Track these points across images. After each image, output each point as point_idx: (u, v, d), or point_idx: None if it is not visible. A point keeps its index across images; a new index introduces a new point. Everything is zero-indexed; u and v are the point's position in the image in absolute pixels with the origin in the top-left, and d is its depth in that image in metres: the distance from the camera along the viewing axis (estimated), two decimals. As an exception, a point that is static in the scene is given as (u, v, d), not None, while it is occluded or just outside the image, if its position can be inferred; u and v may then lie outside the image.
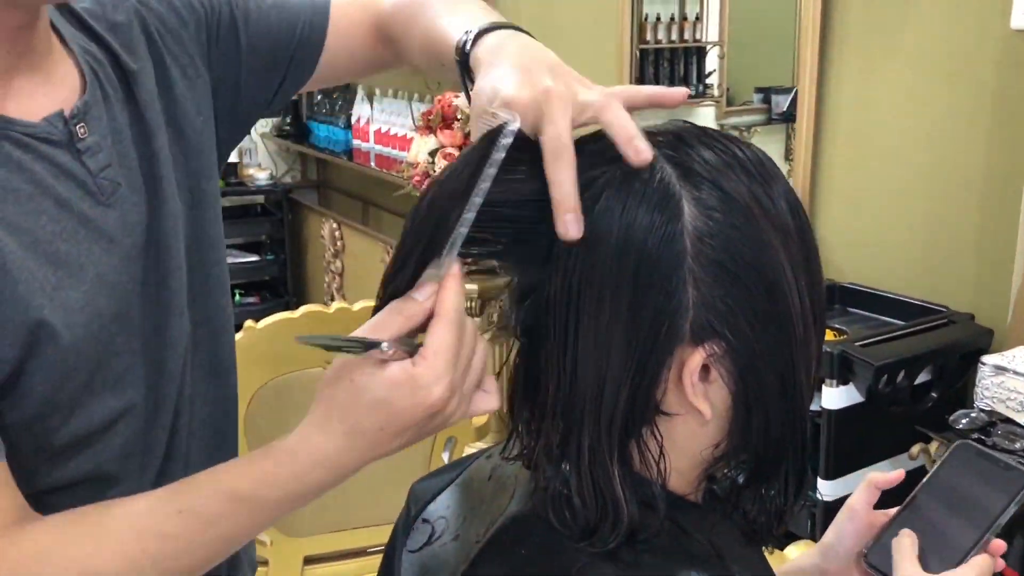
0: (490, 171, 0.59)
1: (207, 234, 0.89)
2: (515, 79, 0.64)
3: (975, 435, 1.39)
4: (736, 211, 0.61)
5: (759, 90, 2.64)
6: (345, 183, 4.44)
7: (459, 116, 2.60)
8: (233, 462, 0.68)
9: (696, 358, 0.61)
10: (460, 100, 2.65)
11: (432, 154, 2.64)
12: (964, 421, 1.42)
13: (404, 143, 3.39)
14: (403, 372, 0.61)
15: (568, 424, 0.63)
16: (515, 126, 0.60)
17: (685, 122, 0.65)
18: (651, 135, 0.63)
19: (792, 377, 0.64)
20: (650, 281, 0.60)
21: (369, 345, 0.60)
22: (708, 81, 2.74)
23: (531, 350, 0.67)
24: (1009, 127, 1.66)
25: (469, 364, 0.63)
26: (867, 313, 1.87)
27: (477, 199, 0.59)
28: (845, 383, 1.56)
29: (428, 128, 2.68)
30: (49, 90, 0.75)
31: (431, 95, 3.02)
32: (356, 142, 3.89)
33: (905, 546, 0.73)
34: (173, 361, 0.84)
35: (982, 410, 1.43)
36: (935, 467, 0.79)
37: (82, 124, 0.76)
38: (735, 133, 2.65)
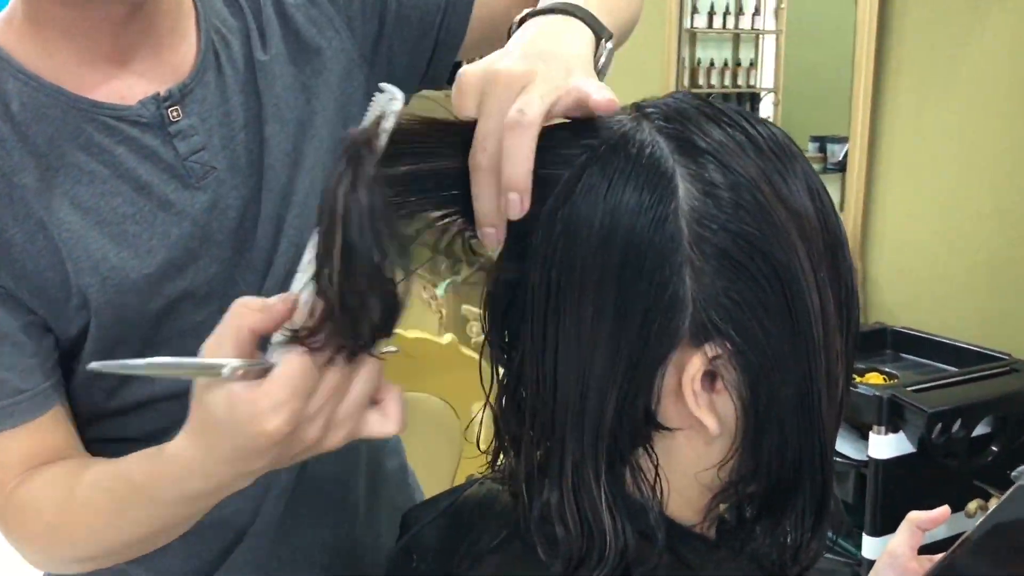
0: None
1: None
2: (492, 57, 0.57)
3: (1039, 492, 1.27)
4: (742, 190, 0.52)
5: (815, 139, 2.56)
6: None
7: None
8: (145, 452, 0.64)
9: (697, 362, 0.52)
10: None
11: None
12: (1027, 476, 1.29)
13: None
14: (243, 393, 0.52)
15: (550, 440, 0.55)
16: (392, 114, 0.50)
17: (687, 93, 0.57)
18: (643, 108, 0.56)
19: (811, 388, 0.54)
20: (639, 271, 0.51)
21: (208, 368, 0.52)
22: (762, 129, 2.67)
23: (514, 357, 0.58)
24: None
25: (338, 390, 0.53)
26: (920, 359, 1.75)
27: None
28: (895, 431, 1.44)
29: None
30: (160, 71, 0.76)
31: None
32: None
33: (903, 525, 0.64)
34: None
35: (1048, 465, 1.31)
36: (992, 510, 0.71)
37: (176, 107, 0.75)
38: None
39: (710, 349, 0.52)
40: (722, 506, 0.58)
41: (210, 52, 0.77)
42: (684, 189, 0.51)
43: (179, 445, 0.58)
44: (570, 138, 0.55)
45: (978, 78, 1.71)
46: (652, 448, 0.54)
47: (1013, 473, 1.31)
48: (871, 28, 1.87)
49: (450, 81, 0.87)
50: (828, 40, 2.33)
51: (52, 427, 0.73)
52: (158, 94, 0.74)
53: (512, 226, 0.55)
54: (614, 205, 0.51)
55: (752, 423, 0.54)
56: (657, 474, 0.54)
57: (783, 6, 2.59)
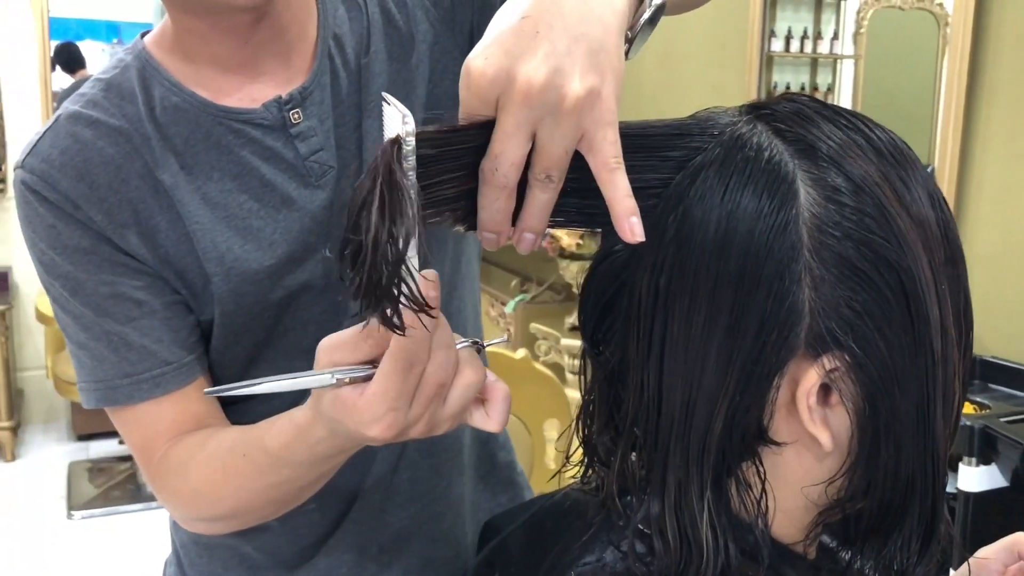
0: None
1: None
2: (496, 40, 0.48)
3: None
4: (865, 197, 0.49)
5: None
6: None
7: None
8: (277, 418, 0.68)
9: (813, 374, 0.50)
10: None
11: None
12: None
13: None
14: (349, 399, 0.55)
15: (651, 451, 0.53)
16: (410, 137, 0.46)
17: (803, 94, 0.55)
18: (760, 108, 0.53)
19: (928, 404, 0.51)
20: (757, 280, 0.49)
21: (314, 382, 0.56)
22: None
23: (611, 363, 0.56)
24: None
25: (437, 396, 0.56)
26: (1011, 390, 1.68)
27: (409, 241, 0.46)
28: (987, 463, 1.39)
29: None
30: (286, 75, 0.79)
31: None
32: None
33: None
34: None
35: None
36: None
37: (297, 110, 0.78)
38: None
39: (828, 361, 0.49)
40: (832, 523, 0.55)
41: (326, 56, 0.80)
42: (805, 194, 0.49)
43: (305, 416, 0.62)
44: (674, 139, 0.53)
45: None
46: (761, 463, 0.52)
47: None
48: (964, 47, 1.81)
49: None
50: (908, 65, 2.28)
51: (197, 397, 0.78)
52: (280, 97, 0.78)
53: (614, 235, 0.53)
54: (731, 210, 0.49)
55: (868, 439, 0.51)
56: (764, 490, 0.52)
57: (862, 31, 2.54)
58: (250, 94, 0.78)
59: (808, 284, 0.49)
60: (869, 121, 0.53)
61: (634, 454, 0.59)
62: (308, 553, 0.88)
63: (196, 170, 0.77)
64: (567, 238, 2.51)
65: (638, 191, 0.50)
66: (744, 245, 0.49)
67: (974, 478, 1.39)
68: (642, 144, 0.52)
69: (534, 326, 2.82)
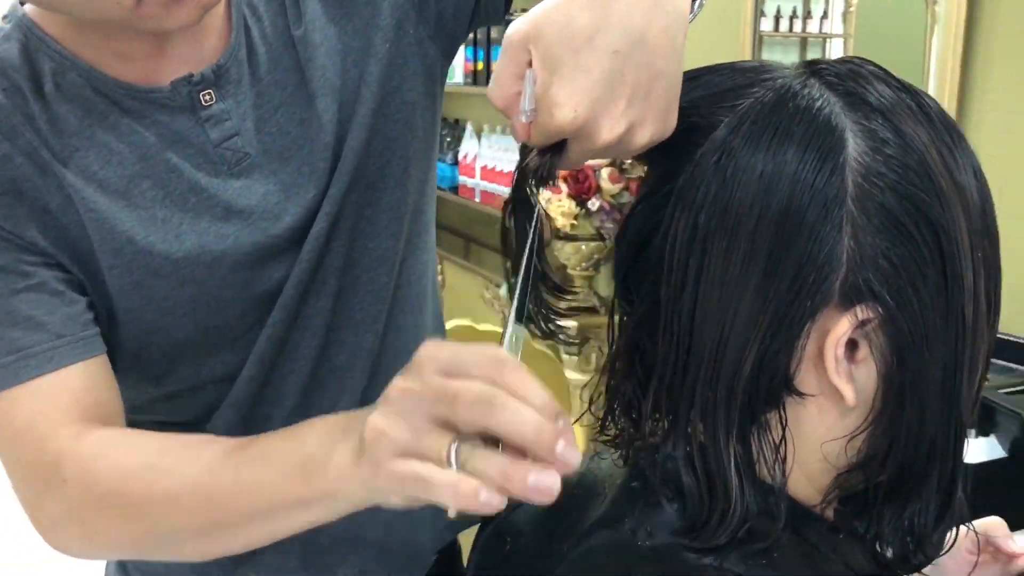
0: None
1: (376, 218, 0.80)
2: (584, 88, 0.49)
3: None
4: (912, 153, 0.50)
5: None
6: (449, 219, 4.43)
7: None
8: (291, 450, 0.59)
9: (845, 324, 0.50)
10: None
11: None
12: None
13: (510, 179, 3.35)
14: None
15: (679, 392, 0.53)
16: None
17: (859, 58, 0.55)
18: (813, 65, 0.54)
19: (956, 369, 0.52)
20: (799, 223, 0.49)
21: None
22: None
23: (641, 308, 0.57)
24: None
25: (435, 432, 0.48)
26: (1008, 363, 1.69)
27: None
28: (985, 435, 1.39)
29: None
30: (197, 52, 0.72)
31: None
32: (463, 178, 3.88)
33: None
34: (294, 340, 0.79)
35: None
36: None
37: (209, 91, 0.72)
38: None
39: (861, 312, 0.50)
40: (852, 485, 0.55)
41: (241, 29, 0.74)
42: (853, 144, 0.50)
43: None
44: (726, 86, 0.54)
45: None
46: (784, 410, 0.52)
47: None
48: (959, 22, 1.81)
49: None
50: (898, 44, 2.27)
51: (101, 377, 0.69)
52: (191, 76, 0.72)
53: (655, 169, 0.55)
54: (778, 153, 0.50)
55: (893, 398, 0.51)
56: (784, 437, 0.52)
57: (851, 9, 2.53)
58: (157, 70, 0.71)
59: (848, 232, 0.49)
60: (921, 91, 0.54)
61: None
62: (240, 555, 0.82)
63: (91, 153, 0.70)
64: (561, 219, 2.49)
65: (692, 129, 0.53)
66: (789, 188, 0.49)
67: (972, 450, 1.40)
68: (695, 88, 0.54)
69: (529, 308, 2.81)
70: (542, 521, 0.69)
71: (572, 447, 0.45)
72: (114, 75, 0.71)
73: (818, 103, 0.51)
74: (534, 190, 0.54)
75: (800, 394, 0.52)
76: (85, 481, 0.64)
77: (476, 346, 0.48)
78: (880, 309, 0.50)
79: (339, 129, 0.77)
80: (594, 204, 2.50)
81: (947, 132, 0.52)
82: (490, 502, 0.44)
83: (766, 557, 0.51)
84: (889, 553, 0.55)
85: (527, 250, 0.55)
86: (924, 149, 0.50)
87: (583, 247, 2.62)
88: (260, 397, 0.80)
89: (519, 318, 0.53)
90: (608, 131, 0.49)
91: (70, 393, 0.67)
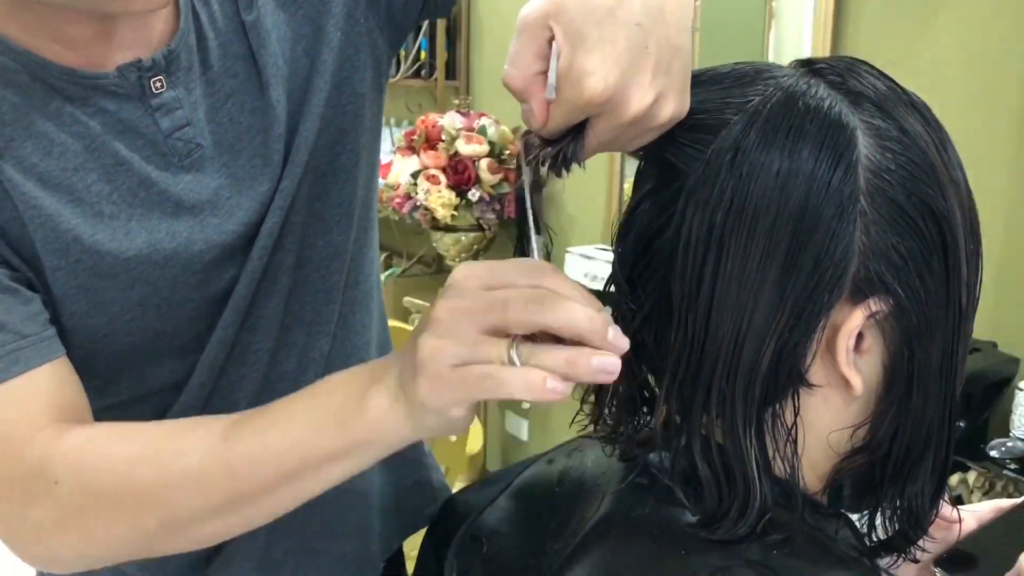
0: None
1: (327, 213, 0.77)
2: (612, 56, 0.48)
3: (1012, 465, 1.32)
4: (916, 150, 0.52)
5: None
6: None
7: (443, 137, 2.52)
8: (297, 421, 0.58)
9: (858, 317, 0.51)
10: (444, 120, 2.57)
11: (414, 175, 2.56)
12: (1001, 449, 1.35)
13: (384, 170, 3.30)
14: None
15: (693, 387, 0.53)
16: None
17: (852, 57, 0.57)
18: (811, 64, 0.55)
19: (953, 355, 0.54)
20: (816, 219, 0.50)
21: None
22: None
23: (647, 306, 0.56)
24: (1034, 152, 1.62)
25: (492, 340, 0.50)
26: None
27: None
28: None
29: (411, 148, 2.60)
30: (144, 37, 0.68)
31: (412, 117, 2.94)
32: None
33: None
34: (244, 343, 0.75)
35: (1019, 438, 1.36)
36: None
37: (159, 77, 0.68)
38: None
39: (874, 304, 0.51)
40: (852, 471, 0.57)
41: (189, 14, 0.70)
42: (863, 141, 0.51)
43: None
44: (733, 86, 0.54)
45: (940, 62, 1.74)
46: (798, 399, 0.53)
47: (988, 446, 1.37)
48: (827, 18, 1.91)
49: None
50: (738, 36, 2.38)
51: (68, 377, 0.65)
52: (139, 61, 0.67)
53: (656, 165, 0.55)
54: (794, 152, 0.50)
55: (901, 385, 0.54)
56: (796, 423, 0.53)
57: (696, 3, 2.62)
58: (101, 56, 0.66)
59: (861, 228, 0.51)
60: (912, 92, 0.56)
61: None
62: (199, 567, 0.79)
63: (30, 144, 0.64)
64: (441, 210, 2.48)
65: (699, 127, 0.53)
66: (806, 186, 0.50)
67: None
68: (708, 91, 0.54)
69: (408, 300, 2.78)
70: (519, 520, 0.69)
71: (620, 333, 0.49)
72: (55, 60, 0.65)
73: (827, 101, 0.52)
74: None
75: (811, 385, 0.53)
76: (82, 479, 0.60)
77: (508, 260, 0.52)
78: (891, 300, 0.52)
79: (290, 120, 0.73)
80: (474, 195, 2.50)
81: (938, 128, 0.55)
82: (557, 389, 0.48)
83: (788, 546, 0.52)
84: (882, 533, 0.57)
85: (528, 181, 0.56)
86: (926, 145, 0.53)
87: (463, 238, 2.61)
88: (209, 405, 0.76)
89: (538, 231, 0.56)
90: (638, 101, 0.49)
91: (41, 396, 0.62)
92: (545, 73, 0.50)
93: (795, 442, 0.54)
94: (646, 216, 0.56)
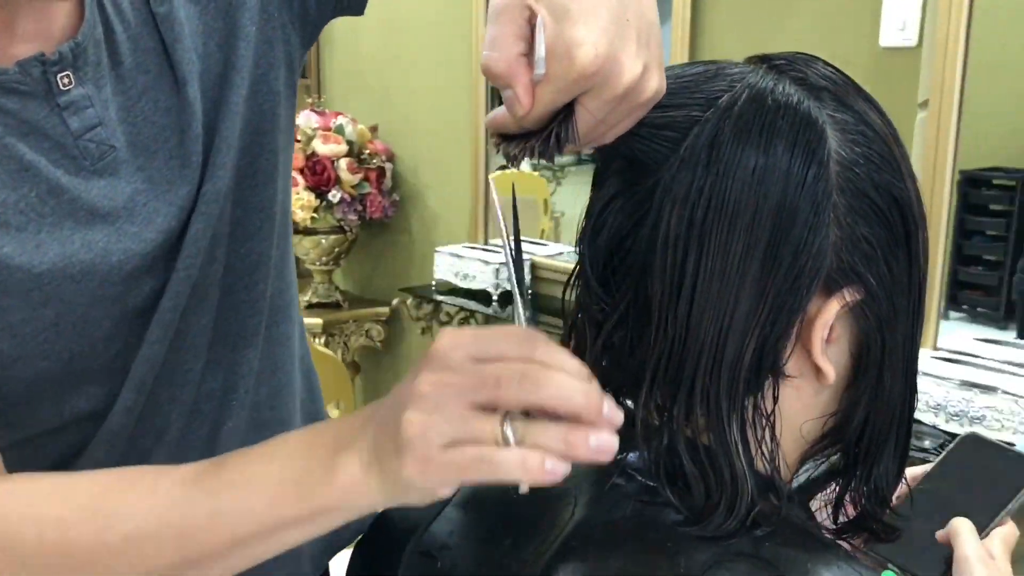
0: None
1: (249, 219, 0.73)
2: (601, 28, 0.48)
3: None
4: (875, 138, 0.54)
5: None
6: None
7: (299, 137, 2.44)
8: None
9: (832, 307, 0.52)
10: (299, 119, 2.49)
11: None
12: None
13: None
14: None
15: (676, 385, 0.53)
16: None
17: (807, 54, 0.58)
18: (772, 59, 0.56)
19: (913, 336, 0.56)
20: (794, 214, 0.51)
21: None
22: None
23: (621, 306, 0.55)
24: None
25: (480, 415, 0.47)
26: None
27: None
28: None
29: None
30: (48, 31, 0.62)
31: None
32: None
33: (969, 527, 0.68)
34: (173, 362, 0.70)
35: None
36: (941, 457, 0.77)
37: (67, 73, 0.62)
38: (548, 174, 2.71)
39: (849, 294, 0.52)
40: (815, 458, 0.58)
41: (94, 6, 0.65)
42: (832, 136, 0.52)
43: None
44: (695, 82, 0.54)
45: None
46: (777, 388, 0.54)
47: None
48: (684, 18, 1.97)
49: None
50: None
51: None
52: (43, 55, 0.61)
53: (631, 170, 0.54)
54: (769, 148, 0.51)
55: (873, 372, 0.55)
56: (773, 420, 0.54)
57: None
58: (1, 51, 0.61)
59: (834, 221, 0.52)
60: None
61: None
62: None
63: None
64: (301, 212, 2.40)
65: (668, 126, 0.52)
66: (783, 182, 0.51)
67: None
68: (672, 88, 0.53)
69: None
70: (473, 531, 0.66)
71: (614, 406, 0.47)
72: None
73: (795, 97, 0.53)
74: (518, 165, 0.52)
75: (786, 376, 0.54)
76: (3, 545, 0.54)
77: (494, 328, 0.49)
78: (863, 289, 0.53)
79: (207, 118, 0.68)
80: (335, 196, 2.43)
81: (890, 120, 0.56)
82: (555, 471, 0.45)
83: (776, 537, 0.52)
84: (850, 513, 0.59)
85: (511, 235, 0.55)
86: (886, 137, 0.54)
87: (323, 240, 2.54)
88: (138, 430, 0.70)
89: (522, 295, 0.54)
90: (629, 70, 0.47)
91: None
92: (527, 55, 0.48)
93: (774, 433, 0.54)
94: (617, 216, 0.55)
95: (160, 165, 0.66)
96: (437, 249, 2.37)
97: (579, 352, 0.59)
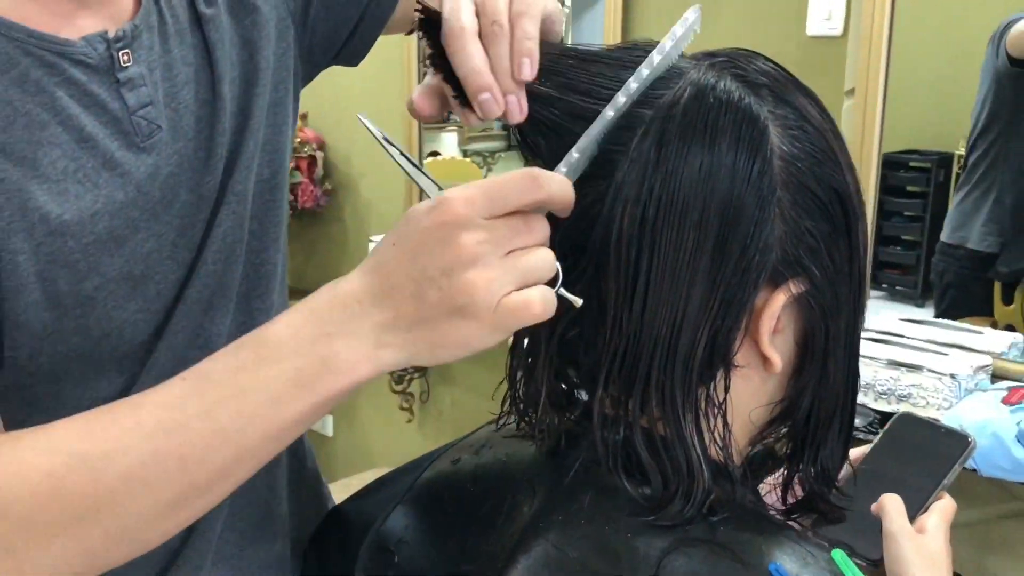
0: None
1: (268, 230, 0.75)
2: None
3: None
4: (815, 133, 0.55)
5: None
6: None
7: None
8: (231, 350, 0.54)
9: (779, 299, 0.54)
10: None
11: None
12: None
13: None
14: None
15: (632, 378, 0.54)
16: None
17: (747, 49, 0.59)
18: (715, 56, 0.57)
19: (856, 323, 0.58)
20: (740, 210, 0.52)
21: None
22: (450, 108, 2.75)
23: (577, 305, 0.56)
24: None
25: (527, 251, 0.51)
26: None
27: (609, 113, 0.54)
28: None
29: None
30: (109, 11, 0.65)
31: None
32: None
33: (896, 505, 0.71)
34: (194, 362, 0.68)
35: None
36: (879, 437, 0.80)
37: (127, 51, 0.65)
38: (478, 160, 2.71)
39: (794, 286, 0.54)
40: (764, 443, 0.60)
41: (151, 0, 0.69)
42: (773, 131, 0.53)
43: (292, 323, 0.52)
44: (630, 70, 0.54)
45: (725, 43, 1.89)
46: (728, 379, 0.55)
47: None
48: (616, 6, 1.99)
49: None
50: None
51: None
52: (107, 32, 0.64)
53: (585, 172, 0.54)
54: (713, 146, 0.52)
55: (819, 360, 0.57)
56: (726, 399, 0.55)
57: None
58: (66, 24, 0.63)
59: (779, 215, 0.53)
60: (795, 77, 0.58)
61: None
62: None
63: None
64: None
65: (615, 126, 0.54)
66: (728, 179, 0.52)
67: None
68: (600, 69, 0.55)
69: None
70: (430, 525, 0.67)
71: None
72: (22, 22, 0.60)
73: (736, 94, 0.54)
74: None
75: (736, 366, 0.55)
76: None
77: (492, 181, 0.51)
78: (808, 281, 0.55)
79: (234, 120, 0.71)
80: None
81: (828, 113, 0.58)
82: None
83: (730, 522, 0.54)
84: (798, 494, 0.61)
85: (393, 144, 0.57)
86: (824, 131, 0.56)
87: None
88: None
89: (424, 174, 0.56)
90: None
91: None
92: None
93: (727, 421, 0.56)
94: (574, 217, 0.55)
95: (191, 153, 0.68)
96: (371, 239, 2.36)
97: (534, 350, 0.59)
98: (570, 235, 0.55)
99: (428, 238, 0.49)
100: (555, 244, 0.55)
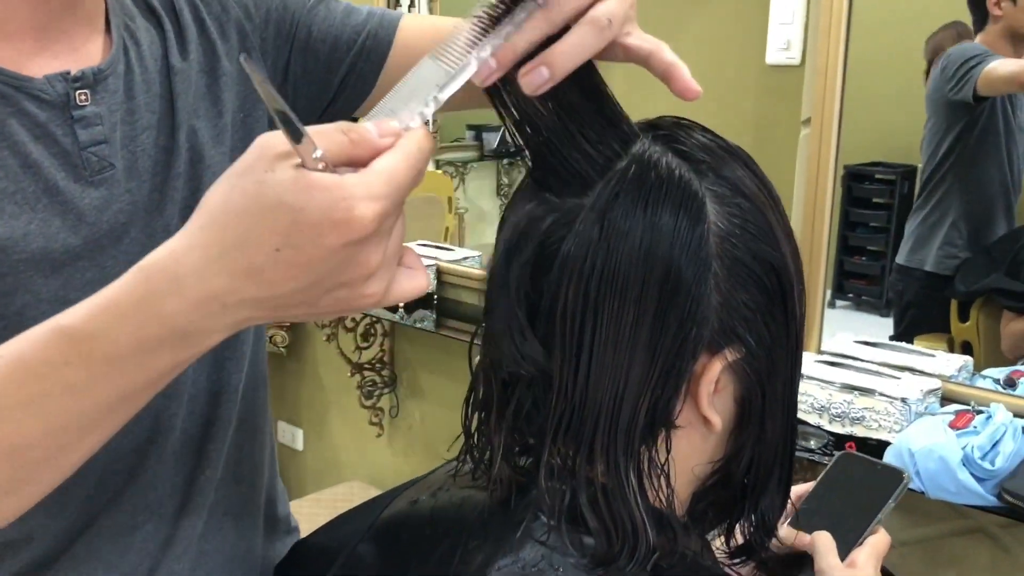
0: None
1: None
2: None
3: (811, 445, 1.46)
4: (751, 209, 0.58)
5: (471, 127, 2.70)
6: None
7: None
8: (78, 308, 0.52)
9: (716, 366, 0.57)
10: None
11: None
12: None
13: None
14: (330, 178, 0.45)
15: (578, 439, 0.57)
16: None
17: (676, 117, 0.61)
18: (655, 128, 0.59)
19: (792, 380, 0.61)
20: (677, 285, 0.55)
21: (300, 137, 0.46)
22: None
23: (530, 370, 0.58)
24: (768, 152, 1.81)
25: (395, 226, 0.49)
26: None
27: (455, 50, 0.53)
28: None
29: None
30: (73, 57, 0.70)
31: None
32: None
33: (826, 542, 0.75)
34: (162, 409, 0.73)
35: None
36: (820, 476, 0.84)
37: (86, 91, 0.69)
38: (450, 170, 2.72)
39: (730, 353, 0.57)
40: (706, 493, 0.63)
41: (121, 45, 0.73)
42: (711, 207, 0.56)
43: (160, 255, 0.49)
44: (597, 141, 0.57)
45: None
46: (669, 445, 0.58)
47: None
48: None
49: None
50: None
51: None
52: (68, 73, 0.68)
53: (535, 240, 0.57)
54: (653, 224, 0.54)
55: (757, 419, 0.60)
56: (668, 459, 0.58)
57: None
58: (28, 62, 0.67)
59: (714, 288, 0.56)
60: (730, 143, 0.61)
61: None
62: None
63: None
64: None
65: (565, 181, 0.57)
66: (667, 255, 0.54)
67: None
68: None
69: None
70: (389, 565, 0.69)
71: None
72: None
73: (676, 172, 0.56)
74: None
75: (677, 427, 0.58)
76: None
77: (390, 170, 0.48)
78: (744, 349, 0.58)
79: (190, 167, 0.74)
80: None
81: (766, 182, 0.61)
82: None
83: (676, 570, 0.57)
84: (738, 541, 0.64)
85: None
86: (762, 205, 0.58)
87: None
88: (109, 468, 0.72)
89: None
90: None
91: None
92: None
93: (668, 479, 0.58)
94: (525, 287, 0.58)
95: (145, 194, 0.72)
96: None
97: (487, 405, 0.62)
98: (524, 302, 0.58)
99: (332, 258, 0.46)
100: (517, 306, 0.58)
